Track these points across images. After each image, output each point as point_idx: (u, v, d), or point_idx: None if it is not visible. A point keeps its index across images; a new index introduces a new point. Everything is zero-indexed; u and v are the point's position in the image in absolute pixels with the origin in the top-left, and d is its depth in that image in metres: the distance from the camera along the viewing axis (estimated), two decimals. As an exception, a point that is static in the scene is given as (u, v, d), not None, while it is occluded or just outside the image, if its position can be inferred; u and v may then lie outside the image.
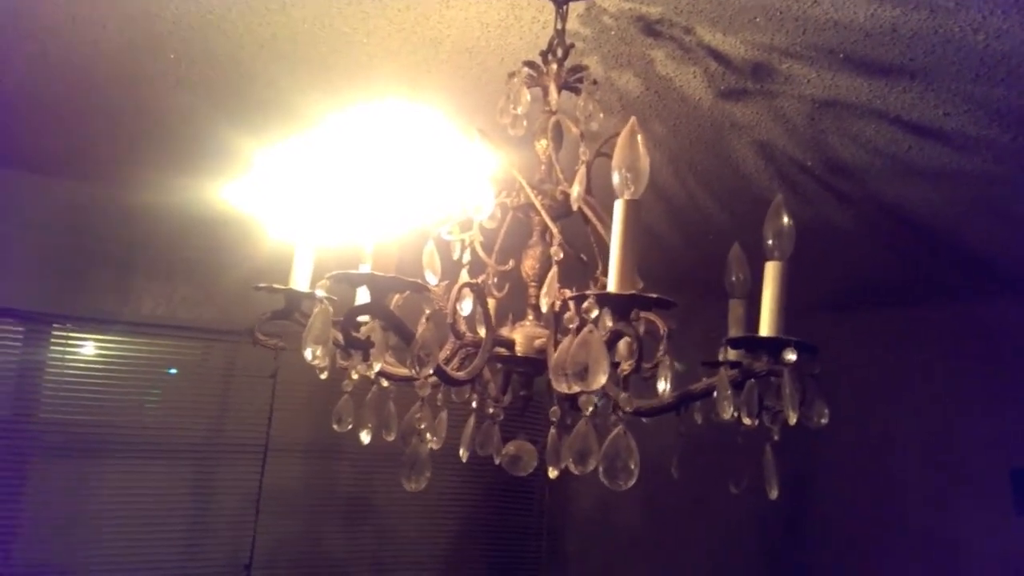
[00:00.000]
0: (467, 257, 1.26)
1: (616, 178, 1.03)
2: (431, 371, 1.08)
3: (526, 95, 1.41)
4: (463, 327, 1.28)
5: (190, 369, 3.13)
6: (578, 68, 1.50)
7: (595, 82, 1.50)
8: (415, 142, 1.10)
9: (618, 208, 1.04)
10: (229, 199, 2.70)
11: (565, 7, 1.55)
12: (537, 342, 1.34)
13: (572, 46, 1.51)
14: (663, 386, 1.20)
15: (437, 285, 1.20)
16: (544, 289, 1.24)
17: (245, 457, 3.15)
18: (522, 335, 1.36)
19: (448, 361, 1.32)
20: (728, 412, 1.14)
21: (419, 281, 1.11)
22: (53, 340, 2.90)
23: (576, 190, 1.32)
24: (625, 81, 1.89)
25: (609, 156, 1.06)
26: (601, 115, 1.44)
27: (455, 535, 3.56)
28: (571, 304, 1.05)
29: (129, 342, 3.01)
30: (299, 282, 1.35)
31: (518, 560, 3.72)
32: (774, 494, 1.19)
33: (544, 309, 1.24)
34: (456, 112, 1.82)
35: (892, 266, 3.31)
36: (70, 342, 2.94)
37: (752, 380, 1.17)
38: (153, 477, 3.01)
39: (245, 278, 1.82)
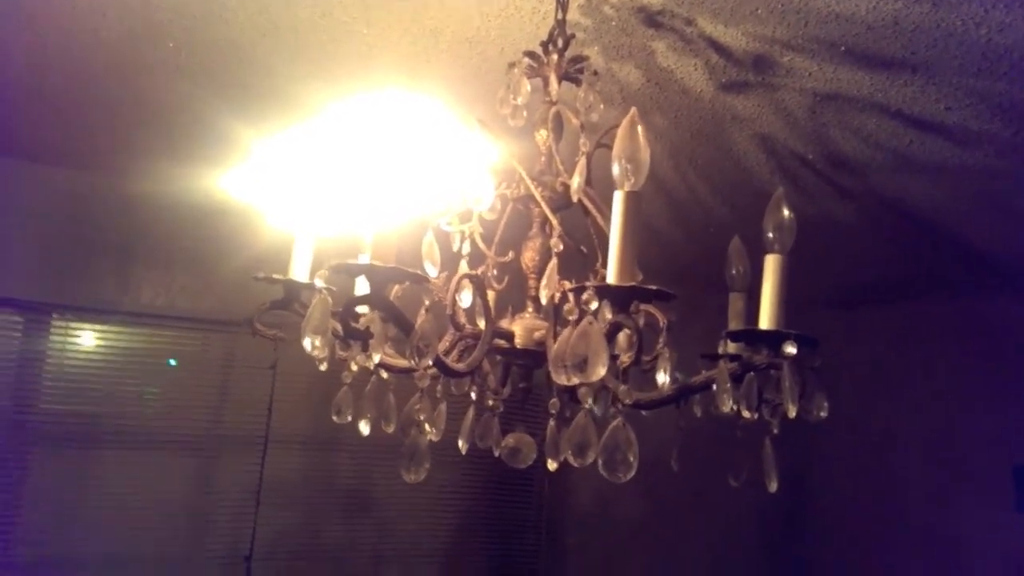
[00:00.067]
0: (467, 248, 1.26)
1: (616, 169, 1.03)
2: (430, 362, 1.08)
3: (526, 85, 1.40)
4: (462, 318, 1.28)
5: (190, 359, 3.13)
6: (579, 59, 1.49)
7: (596, 73, 1.49)
8: (415, 132, 1.09)
9: (618, 199, 1.04)
10: (228, 188, 2.70)
11: (566, -3, 1.54)
12: (536, 334, 1.34)
13: (573, 36, 1.50)
14: (662, 378, 1.20)
15: (436, 276, 1.19)
16: (544, 281, 1.24)
17: (245, 448, 3.15)
18: (521, 327, 1.35)
19: (447, 353, 1.32)
20: (728, 405, 1.13)
21: (418, 272, 1.11)
22: (53, 330, 2.90)
23: (576, 181, 1.32)
24: (626, 72, 1.89)
25: (609, 147, 1.06)
26: (601, 106, 1.44)
27: (454, 527, 3.56)
28: (571, 296, 1.05)
29: (129, 332, 3.01)
30: (298, 272, 1.35)
31: (517, 552, 3.73)
32: (773, 487, 1.19)
33: (544, 301, 1.24)
34: (456, 102, 1.82)
35: (893, 261, 3.30)
36: (70, 332, 2.95)
37: (752, 373, 1.17)
38: (153, 468, 3.01)
39: (244, 268, 1.82)
